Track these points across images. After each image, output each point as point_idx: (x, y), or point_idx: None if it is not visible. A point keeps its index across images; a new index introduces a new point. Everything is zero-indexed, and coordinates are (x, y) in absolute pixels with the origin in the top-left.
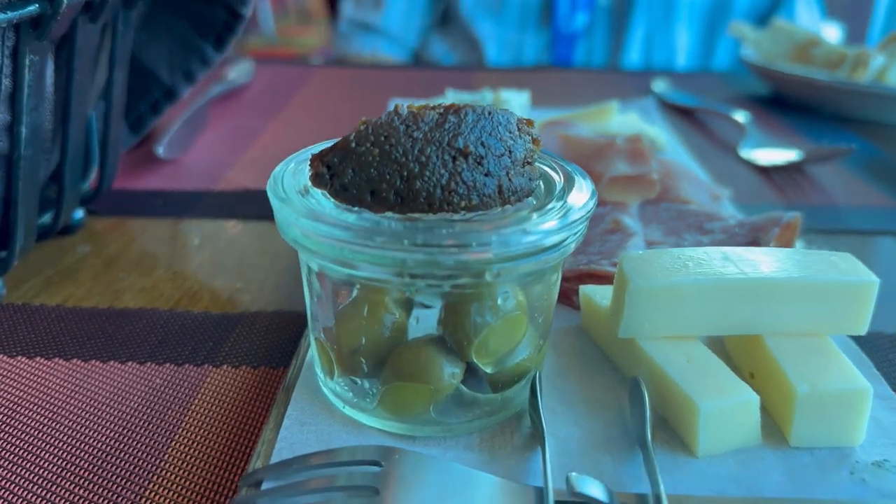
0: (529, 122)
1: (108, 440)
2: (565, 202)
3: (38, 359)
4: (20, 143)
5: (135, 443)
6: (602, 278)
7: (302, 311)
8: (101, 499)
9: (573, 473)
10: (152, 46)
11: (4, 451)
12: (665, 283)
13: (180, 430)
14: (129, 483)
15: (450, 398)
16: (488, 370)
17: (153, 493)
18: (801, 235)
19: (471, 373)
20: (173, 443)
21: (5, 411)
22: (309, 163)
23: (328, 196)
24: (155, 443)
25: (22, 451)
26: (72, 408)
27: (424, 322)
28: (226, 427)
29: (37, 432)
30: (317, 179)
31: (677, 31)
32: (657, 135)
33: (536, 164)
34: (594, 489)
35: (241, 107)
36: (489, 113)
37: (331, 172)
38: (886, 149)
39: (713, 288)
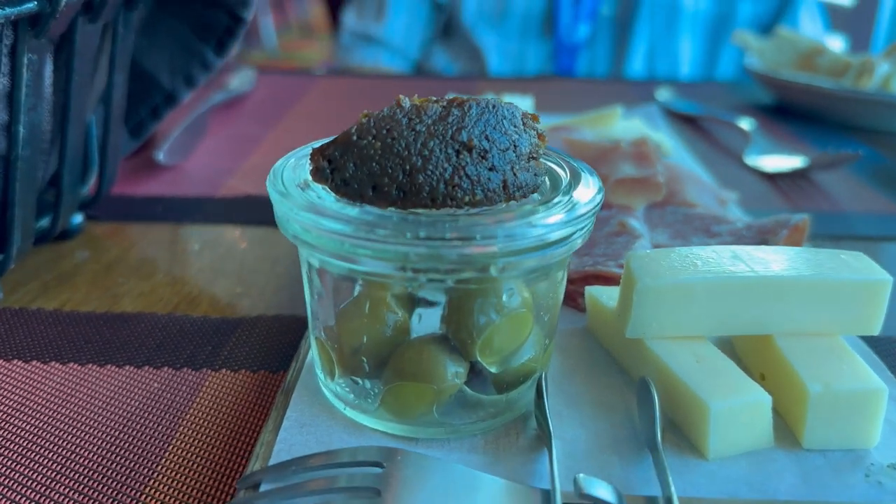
0: (535, 117)
1: (104, 444)
2: (571, 197)
3: (34, 362)
4: (18, 143)
5: (131, 447)
6: (608, 280)
7: (303, 315)
8: (97, 503)
9: (581, 475)
10: (153, 51)
11: None
12: (673, 282)
13: (177, 433)
14: (125, 487)
15: (453, 399)
16: (493, 370)
17: (149, 498)
18: (808, 240)
19: (475, 373)
20: (170, 447)
21: (1, 415)
22: (309, 157)
23: (329, 190)
24: (151, 447)
25: (17, 456)
26: (68, 412)
27: (427, 320)
28: (224, 431)
29: (32, 436)
30: (317, 174)
31: (680, 41)
32: (662, 140)
33: (542, 160)
34: (603, 491)
35: (241, 115)
36: (493, 106)
37: (332, 167)
38: (892, 156)
39: (723, 286)
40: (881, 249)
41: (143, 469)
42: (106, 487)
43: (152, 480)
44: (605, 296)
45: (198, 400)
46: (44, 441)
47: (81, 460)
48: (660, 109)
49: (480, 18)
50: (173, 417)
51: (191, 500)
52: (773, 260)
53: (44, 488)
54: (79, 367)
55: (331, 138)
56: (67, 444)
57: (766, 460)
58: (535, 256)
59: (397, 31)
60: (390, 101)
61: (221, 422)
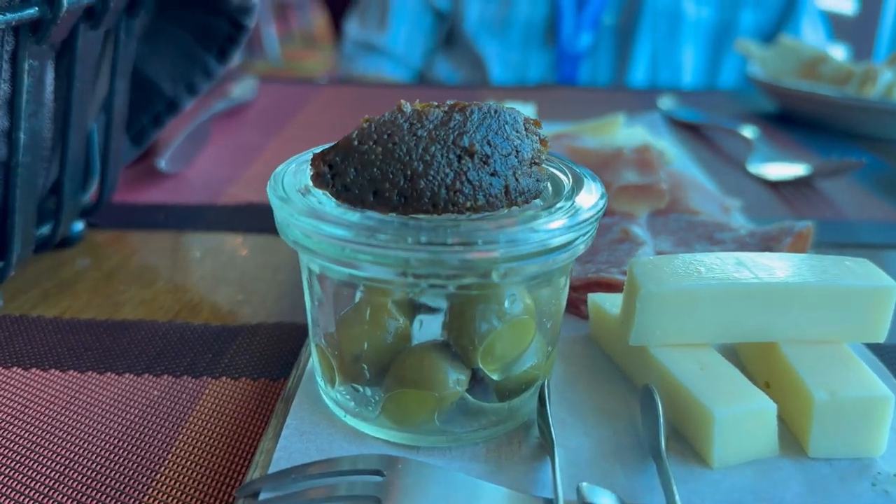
0: (537, 123)
1: (103, 452)
2: (574, 202)
3: (33, 370)
4: (18, 149)
5: (130, 455)
6: (611, 287)
7: (304, 322)
8: None
9: (584, 484)
10: (155, 58)
11: None
12: (677, 288)
13: (177, 441)
14: (123, 496)
15: (455, 407)
16: (495, 377)
17: None
18: (812, 248)
19: (477, 381)
20: (170, 455)
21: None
22: (310, 162)
23: (330, 196)
24: (151, 455)
25: (16, 464)
26: (67, 419)
27: (428, 327)
28: (224, 439)
29: (31, 444)
30: (318, 179)
31: (683, 50)
32: (665, 147)
33: (544, 165)
34: (606, 500)
35: (244, 123)
36: (495, 111)
37: (332, 172)
38: (895, 164)
39: (727, 293)
40: (885, 257)
41: (143, 477)
42: (105, 496)
43: (151, 489)
44: (608, 303)
45: (198, 408)
46: (43, 449)
47: (80, 468)
48: (662, 117)
49: (482, 27)
50: (173, 425)
51: None
52: (778, 266)
53: (42, 497)
54: (78, 375)
55: (332, 144)
56: (67, 451)
57: (772, 469)
58: (537, 262)
59: (400, 41)
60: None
61: (221, 430)
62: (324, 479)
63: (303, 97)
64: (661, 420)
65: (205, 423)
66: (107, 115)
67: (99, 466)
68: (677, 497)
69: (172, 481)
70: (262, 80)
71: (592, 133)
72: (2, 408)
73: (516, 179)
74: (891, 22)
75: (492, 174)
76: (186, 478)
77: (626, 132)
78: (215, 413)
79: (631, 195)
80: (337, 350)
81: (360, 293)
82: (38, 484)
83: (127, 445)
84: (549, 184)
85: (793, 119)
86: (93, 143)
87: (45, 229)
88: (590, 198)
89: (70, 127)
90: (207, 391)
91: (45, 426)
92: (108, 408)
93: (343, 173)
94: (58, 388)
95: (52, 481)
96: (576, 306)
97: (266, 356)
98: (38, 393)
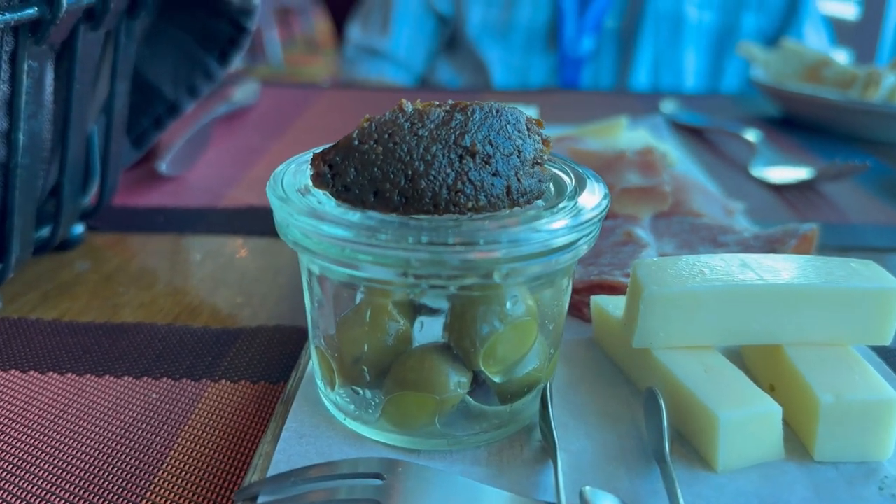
0: (539, 123)
1: (101, 455)
2: (577, 202)
3: (31, 373)
4: (17, 150)
5: (128, 458)
6: (614, 289)
7: (304, 325)
8: None
9: (587, 487)
10: (156, 61)
11: None
12: (681, 290)
13: (175, 445)
14: (120, 500)
15: (456, 410)
16: (496, 380)
17: None
18: (816, 251)
19: (478, 383)
20: (168, 458)
21: None
22: (310, 162)
23: (330, 196)
24: (149, 458)
25: (13, 467)
26: (65, 422)
27: (429, 329)
28: (223, 442)
29: (29, 447)
30: (318, 179)
31: (685, 54)
32: (668, 150)
33: (546, 166)
34: None
35: (245, 126)
36: (497, 111)
37: (333, 172)
38: None
39: (731, 294)
40: (889, 260)
41: (141, 481)
42: (102, 500)
43: (149, 493)
44: (611, 305)
45: (197, 411)
46: (40, 452)
47: (78, 471)
48: (665, 121)
49: (485, 32)
50: (172, 429)
51: None
52: (783, 268)
53: (40, 500)
54: (77, 378)
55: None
56: (64, 454)
57: (777, 473)
58: (539, 262)
59: (402, 45)
60: None
61: (220, 433)
62: (323, 483)
63: (304, 101)
64: (665, 423)
65: (204, 426)
66: (107, 117)
67: (97, 470)
68: (682, 501)
69: (170, 485)
70: (264, 84)
71: (595, 136)
72: (0, 411)
73: (518, 180)
74: (893, 27)
75: (493, 174)
76: (185, 481)
77: (628, 135)
78: (214, 416)
79: (634, 197)
80: (337, 352)
81: (360, 294)
82: (36, 488)
83: (125, 448)
84: (551, 184)
85: (796, 122)
86: (93, 146)
87: (45, 231)
88: (593, 198)
89: (70, 129)
90: (206, 394)
91: (42, 429)
92: (106, 411)
93: (343, 173)
94: (56, 391)
95: (50, 485)
96: (579, 309)
97: (266, 359)
98: (35, 396)
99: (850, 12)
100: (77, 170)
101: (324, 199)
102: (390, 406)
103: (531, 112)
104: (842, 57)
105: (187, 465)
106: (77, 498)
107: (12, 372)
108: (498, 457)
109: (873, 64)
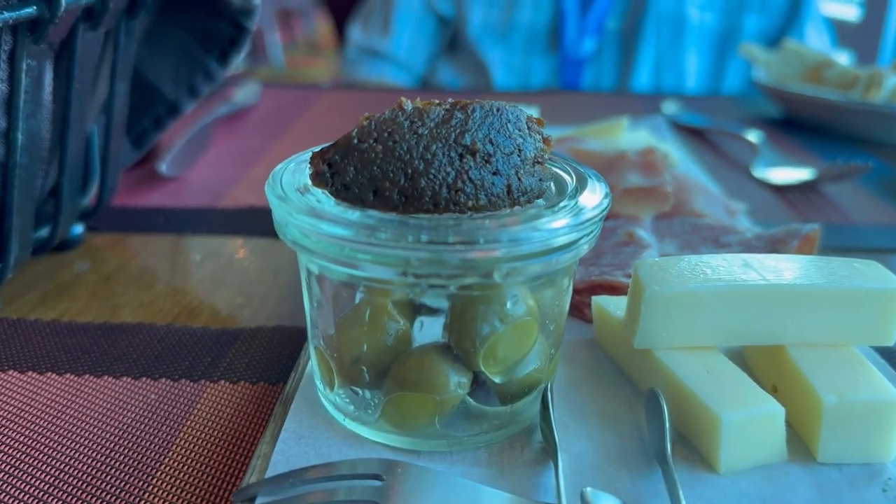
0: (540, 121)
1: (99, 455)
2: (577, 202)
3: (30, 373)
4: (16, 150)
5: (127, 458)
6: (615, 289)
7: (304, 326)
8: None
9: (588, 489)
10: (156, 61)
11: None
12: (683, 290)
13: (174, 446)
14: (118, 500)
15: (456, 410)
16: (497, 380)
17: None
18: (818, 252)
19: (478, 384)
20: (166, 459)
21: None
22: (309, 161)
23: (329, 195)
24: (147, 459)
25: (11, 468)
26: (63, 423)
27: (429, 329)
28: (221, 443)
29: (27, 447)
30: (317, 178)
31: (686, 55)
32: (669, 151)
33: (547, 165)
34: None
35: (246, 127)
36: (497, 110)
37: (332, 171)
38: None
39: (733, 295)
40: (892, 261)
41: (138, 482)
42: (100, 501)
43: (147, 493)
44: (612, 305)
45: (195, 412)
46: (38, 453)
47: (76, 472)
48: (666, 121)
49: (486, 33)
50: (170, 429)
51: None
52: (785, 268)
53: (38, 501)
54: (75, 378)
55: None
56: (62, 455)
57: (780, 474)
58: (539, 262)
59: (403, 46)
60: None
61: (219, 434)
62: (322, 484)
63: (305, 102)
64: (667, 424)
65: (202, 427)
66: (107, 117)
67: (95, 471)
68: (683, 503)
69: (169, 486)
70: (265, 85)
71: (596, 136)
72: None
73: (519, 179)
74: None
75: (494, 173)
76: (183, 482)
77: (630, 135)
78: (213, 417)
79: (635, 198)
80: (336, 352)
81: (359, 294)
82: (33, 488)
83: (123, 450)
84: (552, 183)
85: (798, 123)
86: (93, 146)
87: (44, 232)
88: (594, 197)
89: (69, 128)
90: (205, 395)
91: (40, 430)
92: (104, 411)
93: (342, 172)
94: (54, 391)
95: (48, 485)
96: (580, 309)
97: (265, 360)
98: (34, 396)
99: (851, 14)
100: (76, 170)
101: (323, 198)
102: (390, 406)
103: (532, 112)
104: (843, 58)
105: (186, 466)
106: (75, 499)
107: (10, 372)
108: (498, 458)
109: (875, 65)
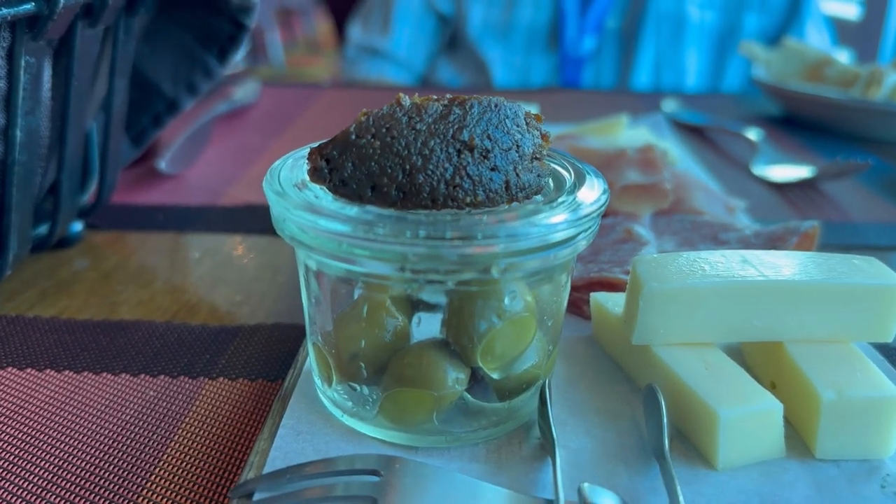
0: (538, 117)
1: (98, 452)
2: (576, 197)
3: (29, 370)
4: (14, 147)
5: (125, 455)
6: (614, 286)
7: (302, 323)
8: None
9: (585, 484)
10: (155, 59)
11: None
12: (681, 286)
13: (173, 442)
14: (117, 497)
15: (454, 406)
16: (495, 376)
17: None
18: (817, 249)
19: (476, 380)
20: (165, 455)
21: None
22: (307, 156)
23: (327, 190)
24: (146, 455)
25: (9, 465)
26: (62, 419)
27: (427, 325)
28: (220, 439)
29: (25, 444)
30: (315, 174)
31: (686, 53)
32: (669, 148)
33: (545, 161)
34: (608, 501)
35: (245, 125)
36: (496, 105)
37: (330, 166)
38: None
39: (731, 291)
40: (891, 259)
41: (137, 478)
42: (99, 497)
43: (145, 490)
44: (610, 302)
45: (194, 408)
46: (37, 449)
47: (74, 469)
48: (666, 119)
49: (486, 31)
50: (169, 426)
51: None
52: (784, 264)
53: (35, 497)
54: (74, 375)
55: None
56: (61, 451)
57: (778, 470)
58: (537, 257)
59: (403, 45)
60: None
61: (218, 431)
62: (319, 480)
63: (305, 100)
64: (665, 420)
65: (201, 423)
66: (106, 114)
67: (93, 467)
68: (681, 499)
69: (167, 482)
70: (265, 83)
71: (596, 134)
72: None
73: (517, 174)
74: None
75: (492, 169)
76: (181, 478)
77: (629, 133)
78: (212, 414)
79: (634, 195)
80: (334, 349)
81: (357, 290)
82: (32, 485)
83: (122, 446)
84: (550, 179)
85: (797, 121)
86: (92, 143)
87: (43, 229)
88: (592, 193)
89: (68, 126)
90: (204, 392)
91: (39, 426)
92: (103, 408)
93: (340, 168)
94: (53, 388)
95: (46, 482)
96: (578, 306)
97: (264, 357)
98: (32, 393)
99: (851, 12)
100: (75, 167)
101: (321, 194)
102: (388, 403)
103: (532, 110)
104: (843, 56)
105: (184, 462)
106: (74, 495)
107: (9, 369)
108: (496, 454)
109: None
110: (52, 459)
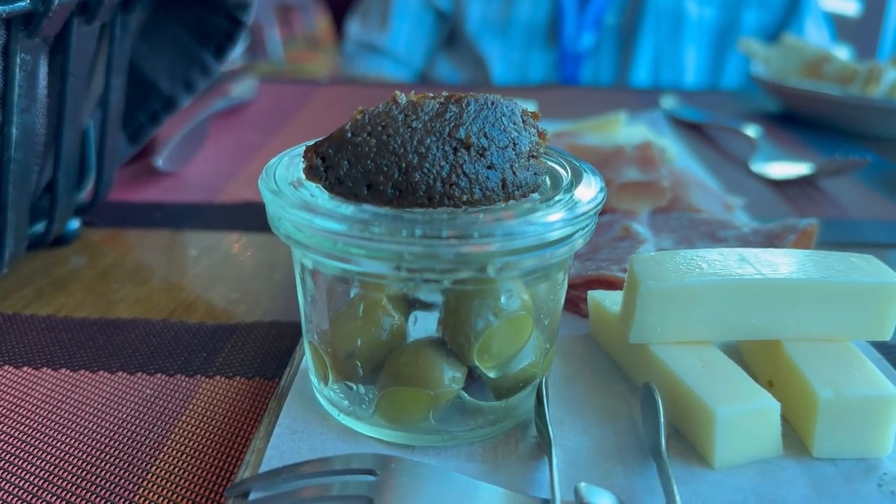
0: (535, 115)
1: (94, 451)
2: (573, 196)
3: (25, 368)
4: (10, 144)
5: (121, 454)
6: (611, 284)
7: (300, 321)
8: None
9: (582, 484)
10: (152, 56)
11: None
12: (678, 284)
13: (169, 440)
14: (113, 495)
15: (450, 405)
16: (491, 375)
17: None
18: (815, 247)
19: (473, 379)
20: (161, 454)
21: None
22: (303, 155)
23: (323, 189)
24: (142, 454)
25: (5, 463)
26: (58, 418)
27: (423, 323)
28: (217, 438)
29: (21, 442)
30: (311, 172)
31: (685, 50)
32: (667, 145)
33: (542, 159)
34: (605, 501)
35: (243, 122)
36: (492, 103)
37: (325, 164)
38: None
39: (729, 289)
40: (889, 256)
41: (133, 476)
42: (94, 496)
43: (141, 489)
44: (608, 300)
45: (191, 407)
46: (33, 448)
47: (70, 467)
48: (664, 116)
49: (484, 28)
50: (166, 424)
51: None
52: (782, 262)
53: (31, 497)
54: (71, 373)
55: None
56: (57, 450)
57: (775, 469)
58: (534, 256)
59: (401, 41)
60: None
61: (215, 429)
62: (315, 479)
63: (303, 97)
64: (662, 419)
65: (198, 422)
66: (103, 111)
67: (89, 465)
68: (678, 498)
69: (163, 480)
70: (263, 80)
71: (594, 131)
72: None
73: (514, 173)
74: (894, 22)
75: (488, 167)
76: (178, 477)
77: (627, 130)
78: (209, 412)
79: (632, 192)
80: (330, 347)
81: (354, 289)
82: (28, 483)
83: (118, 444)
84: (547, 177)
85: (796, 118)
86: (88, 141)
87: (40, 227)
88: (589, 191)
89: (64, 123)
90: (201, 390)
91: (35, 424)
92: (100, 406)
93: (336, 166)
94: (50, 386)
95: (42, 480)
96: (575, 304)
97: (261, 355)
98: (29, 391)
99: (850, 8)
100: (72, 165)
101: (316, 192)
102: (384, 401)
103: (530, 107)
104: (842, 53)
105: (181, 461)
106: (70, 493)
107: (6, 367)
108: (493, 453)
109: (874, 60)
110: (48, 458)
